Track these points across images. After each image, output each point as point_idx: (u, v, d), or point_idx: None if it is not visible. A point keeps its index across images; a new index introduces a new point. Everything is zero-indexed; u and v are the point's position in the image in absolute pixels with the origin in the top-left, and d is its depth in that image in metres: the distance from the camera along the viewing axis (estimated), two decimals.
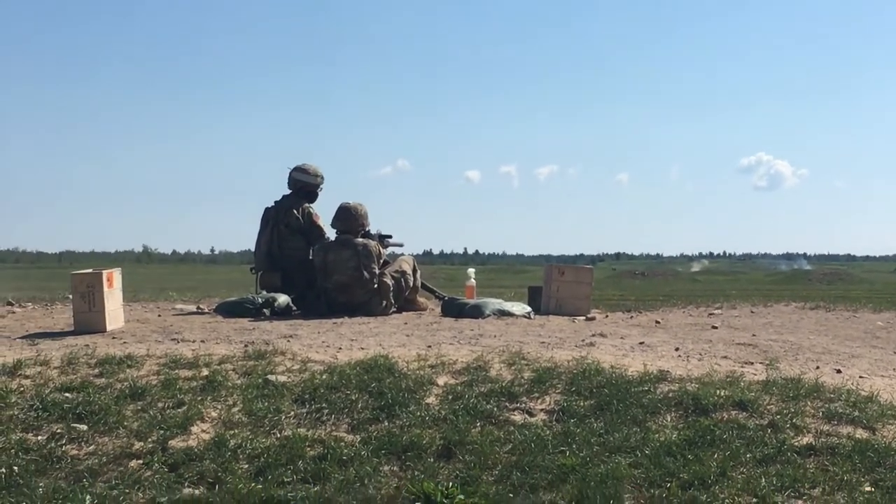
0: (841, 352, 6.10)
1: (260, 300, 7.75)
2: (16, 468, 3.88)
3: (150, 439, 4.15)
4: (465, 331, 6.52)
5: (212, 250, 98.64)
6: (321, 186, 8.74)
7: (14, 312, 8.18)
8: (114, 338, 6.12)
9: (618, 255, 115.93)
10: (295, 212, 8.50)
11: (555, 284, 8.16)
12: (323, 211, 8.62)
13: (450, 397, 4.60)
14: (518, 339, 6.05)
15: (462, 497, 3.72)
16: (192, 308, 8.56)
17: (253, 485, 3.79)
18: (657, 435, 4.20)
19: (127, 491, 3.75)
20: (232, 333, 6.29)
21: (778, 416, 4.35)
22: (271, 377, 4.80)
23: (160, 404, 4.47)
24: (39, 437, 4.16)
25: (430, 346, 5.65)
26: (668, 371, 4.99)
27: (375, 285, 7.82)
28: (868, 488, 3.76)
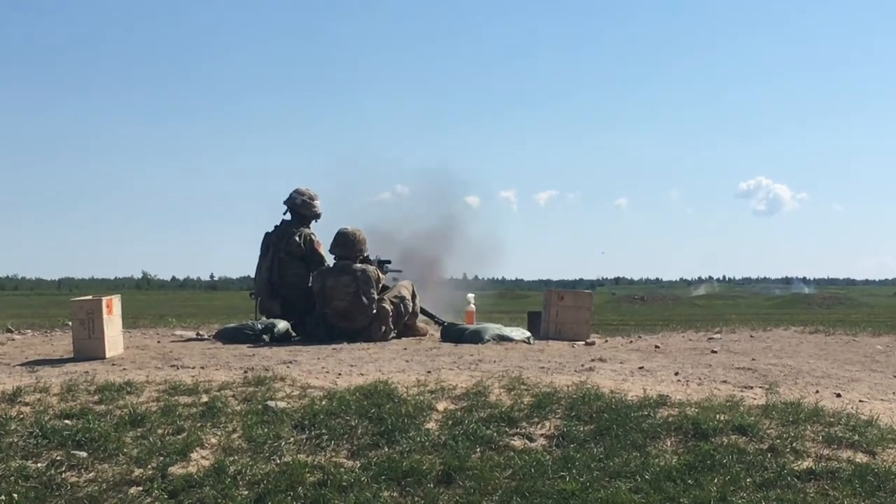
0: (840, 376, 6.09)
1: (259, 326, 7.75)
2: (15, 495, 3.88)
3: (149, 466, 4.14)
4: (464, 356, 6.52)
5: (211, 276, 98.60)
6: (317, 210, 8.73)
7: (14, 339, 8.18)
8: (113, 364, 6.12)
9: (617, 280, 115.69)
10: (296, 238, 8.50)
11: (554, 309, 8.17)
12: (321, 237, 8.64)
13: (449, 423, 4.60)
14: (518, 365, 6.05)
15: None
16: (192, 334, 8.56)
17: None
18: (657, 460, 4.20)
19: None
20: (231, 359, 6.29)
21: (778, 441, 4.35)
22: (271, 403, 4.80)
23: (160, 431, 4.47)
24: (39, 465, 4.16)
25: (429, 372, 5.65)
26: (667, 396, 4.99)
27: (374, 311, 7.83)
28: None
